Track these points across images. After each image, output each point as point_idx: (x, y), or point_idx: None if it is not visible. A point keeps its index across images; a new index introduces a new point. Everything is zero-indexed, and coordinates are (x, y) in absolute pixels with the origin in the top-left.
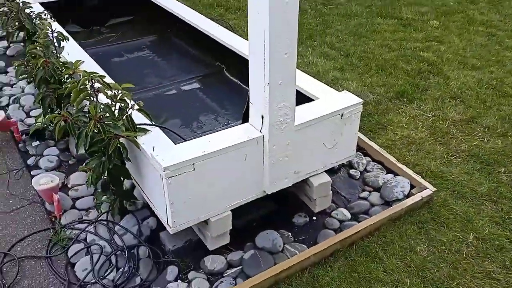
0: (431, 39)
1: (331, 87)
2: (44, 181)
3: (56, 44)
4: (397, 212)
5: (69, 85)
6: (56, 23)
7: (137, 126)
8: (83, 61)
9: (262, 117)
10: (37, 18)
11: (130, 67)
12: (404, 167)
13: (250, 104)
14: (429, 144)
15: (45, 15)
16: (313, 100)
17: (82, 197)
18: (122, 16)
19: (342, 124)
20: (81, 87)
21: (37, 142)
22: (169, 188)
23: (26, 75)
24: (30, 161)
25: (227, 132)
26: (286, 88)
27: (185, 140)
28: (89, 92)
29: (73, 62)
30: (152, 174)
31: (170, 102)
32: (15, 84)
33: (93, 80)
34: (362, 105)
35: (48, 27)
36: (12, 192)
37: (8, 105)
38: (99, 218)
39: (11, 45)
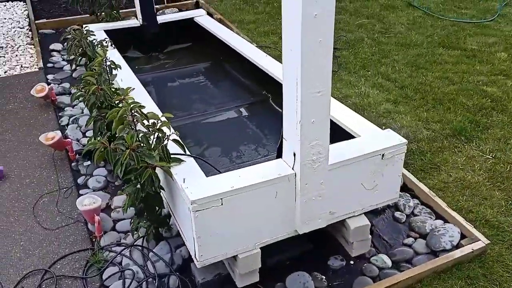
0: (497, 72)
1: (382, 120)
2: (87, 202)
3: (109, 72)
4: (443, 264)
5: (113, 113)
6: (115, 50)
7: (172, 156)
8: (134, 88)
9: (294, 154)
10: (98, 45)
11: (181, 93)
12: (455, 214)
13: (283, 140)
14: (486, 189)
15: (106, 42)
16: (354, 137)
17: (123, 219)
18: (180, 43)
19: (383, 165)
20: (122, 116)
21: (89, 162)
22: (196, 222)
23: (82, 99)
24: (80, 180)
25: (259, 168)
26: (320, 126)
27: (220, 172)
28: (129, 121)
29: (124, 89)
30: (183, 206)
31: (214, 129)
32: (76, 105)
33: (132, 111)
34: (406, 146)
35: (102, 56)
36: (60, 210)
37: (67, 124)
38: (135, 243)
39: (77, 68)
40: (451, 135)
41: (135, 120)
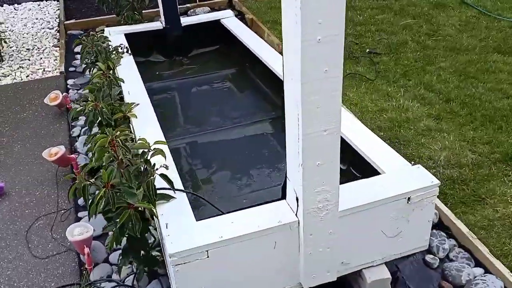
0: None
1: (420, 139)
2: (77, 231)
3: (114, 85)
4: None
5: (92, 143)
6: (131, 57)
7: (158, 193)
8: (138, 104)
9: (297, 199)
10: (114, 52)
11: (198, 104)
12: (498, 263)
13: (287, 179)
14: None
15: (121, 48)
16: (376, 171)
17: (118, 249)
18: (205, 47)
19: (409, 210)
20: (102, 147)
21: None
22: (176, 276)
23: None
24: (81, 201)
25: (257, 211)
26: (327, 170)
27: (222, 212)
28: (112, 153)
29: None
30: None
31: (226, 148)
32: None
33: (114, 141)
34: (438, 188)
35: (101, 71)
36: (53, 235)
37: (79, 135)
38: (126, 280)
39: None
40: (501, 160)
41: (115, 152)
